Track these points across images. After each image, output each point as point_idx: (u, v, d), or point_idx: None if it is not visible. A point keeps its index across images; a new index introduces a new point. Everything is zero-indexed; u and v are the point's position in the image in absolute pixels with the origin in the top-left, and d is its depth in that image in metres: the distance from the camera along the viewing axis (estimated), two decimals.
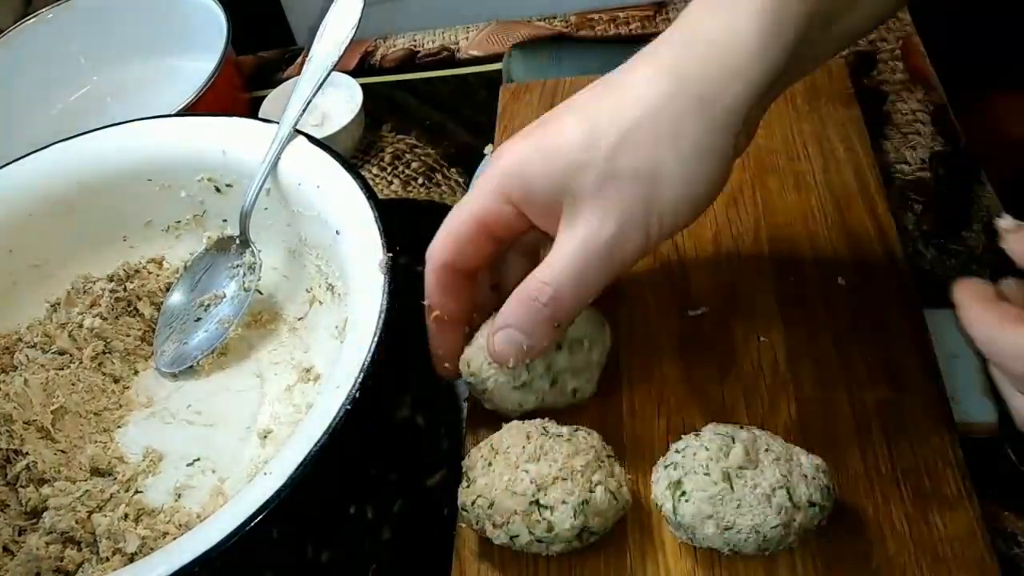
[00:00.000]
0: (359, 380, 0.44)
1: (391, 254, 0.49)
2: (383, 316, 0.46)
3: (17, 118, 0.80)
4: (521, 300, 0.42)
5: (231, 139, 0.59)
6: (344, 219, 0.53)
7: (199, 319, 0.59)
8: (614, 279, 0.42)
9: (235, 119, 0.60)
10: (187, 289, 0.60)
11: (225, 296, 0.59)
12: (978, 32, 0.72)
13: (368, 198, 0.52)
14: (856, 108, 0.62)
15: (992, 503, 0.46)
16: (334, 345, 0.54)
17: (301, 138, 0.57)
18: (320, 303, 0.58)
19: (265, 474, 0.42)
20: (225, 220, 0.63)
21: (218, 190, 0.61)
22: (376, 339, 0.45)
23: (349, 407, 0.43)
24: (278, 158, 0.56)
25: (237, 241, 0.59)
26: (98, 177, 0.61)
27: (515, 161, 0.42)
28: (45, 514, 0.50)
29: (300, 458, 0.41)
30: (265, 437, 0.54)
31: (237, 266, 0.59)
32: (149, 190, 0.61)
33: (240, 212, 0.57)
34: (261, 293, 0.59)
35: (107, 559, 0.48)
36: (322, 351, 0.56)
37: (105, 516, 0.50)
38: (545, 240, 0.44)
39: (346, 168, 0.54)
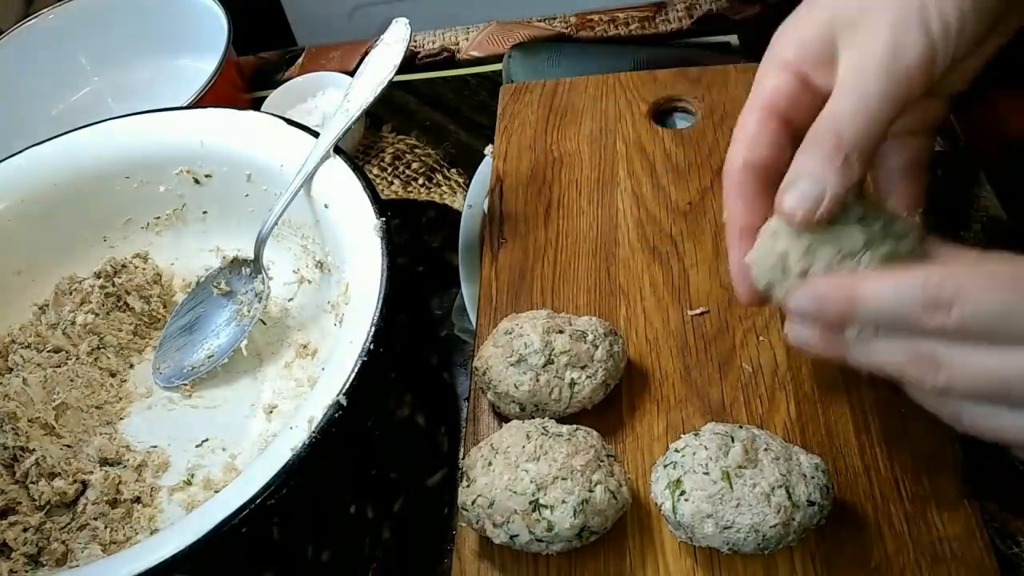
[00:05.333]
0: (371, 334, 0.45)
1: (384, 218, 0.50)
2: (386, 273, 0.48)
3: (18, 119, 0.81)
4: (804, 149, 0.39)
5: (207, 129, 0.60)
6: (332, 192, 0.54)
7: (203, 339, 0.59)
8: (907, 99, 0.38)
9: (209, 110, 0.60)
10: (192, 307, 0.60)
11: (227, 321, 0.58)
12: None
13: (353, 169, 0.53)
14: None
15: (991, 503, 0.47)
16: (328, 320, 0.54)
17: (279, 122, 0.58)
18: (309, 282, 0.59)
19: (291, 428, 0.43)
20: (205, 212, 0.63)
21: (197, 181, 0.61)
22: (383, 294, 0.47)
23: (366, 358, 0.44)
24: (287, 205, 0.55)
25: (249, 267, 0.58)
26: (75, 178, 0.61)
27: (784, 31, 0.42)
28: (83, 496, 0.51)
29: (329, 400, 0.43)
30: (271, 412, 0.54)
31: (245, 292, 0.59)
32: (127, 188, 0.62)
33: (256, 238, 0.57)
34: (264, 323, 0.59)
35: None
36: (316, 328, 0.57)
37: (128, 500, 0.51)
38: None
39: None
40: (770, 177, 0.41)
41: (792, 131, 0.41)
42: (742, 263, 0.42)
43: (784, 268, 0.40)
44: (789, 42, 0.41)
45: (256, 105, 0.77)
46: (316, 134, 0.56)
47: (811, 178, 0.38)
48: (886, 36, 0.37)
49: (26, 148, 0.61)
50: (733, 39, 0.77)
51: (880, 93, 0.37)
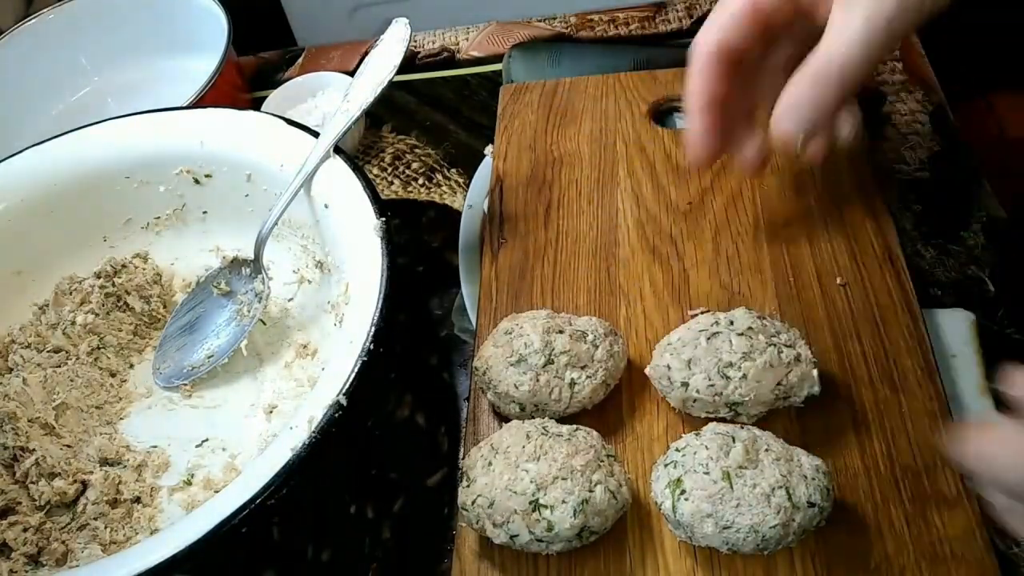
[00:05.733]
0: (371, 334, 0.45)
1: (384, 218, 0.50)
2: (386, 273, 0.48)
3: (18, 118, 0.80)
4: (809, 77, 0.44)
5: (208, 130, 0.59)
6: (332, 192, 0.54)
7: (203, 339, 0.58)
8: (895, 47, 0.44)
9: (209, 110, 0.60)
10: (192, 307, 0.60)
11: (227, 321, 0.58)
12: (977, 32, 0.72)
13: (353, 169, 0.53)
14: (855, 108, 0.62)
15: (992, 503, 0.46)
16: (328, 320, 0.54)
17: (279, 122, 0.58)
18: (309, 282, 0.59)
19: (292, 428, 0.43)
20: (205, 212, 0.63)
21: (197, 181, 0.61)
22: (383, 294, 0.47)
23: (366, 358, 0.44)
24: (285, 207, 0.55)
25: (249, 267, 0.58)
26: (75, 179, 0.61)
27: None
28: (83, 496, 0.51)
29: (329, 400, 0.43)
30: (271, 412, 0.54)
31: (245, 292, 0.58)
32: (127, 188, 0.62)
33: (256, 238, 0.57)
34: (264, 323, 0.59)
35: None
36: (316, 328, 0.57)
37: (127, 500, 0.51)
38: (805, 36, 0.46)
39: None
40: (734, 64, 0.48)
41: (764, 28, 0.47)
42: (700, 131, 0.49)
43: (670, 379, 0.46)
44: None
45: (256, 105, 0.77)
46: (316, 134, 0.56)
47: (814, 106, 0.44)
48: (892, 6, 0.42)
49: (26, 148, 0.61)
50: None
51: (879, 53, 0.43)
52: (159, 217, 0.63)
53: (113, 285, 0.60)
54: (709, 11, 0.80)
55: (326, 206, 0.54)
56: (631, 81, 0.67)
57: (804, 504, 0.40)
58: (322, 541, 0.51)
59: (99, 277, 0.61)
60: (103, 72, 0.85)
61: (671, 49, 0.77)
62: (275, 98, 0.75)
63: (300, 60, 0.87)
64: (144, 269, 0.62)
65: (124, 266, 0.62)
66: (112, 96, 0.84)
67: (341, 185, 0.53)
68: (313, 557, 0.50)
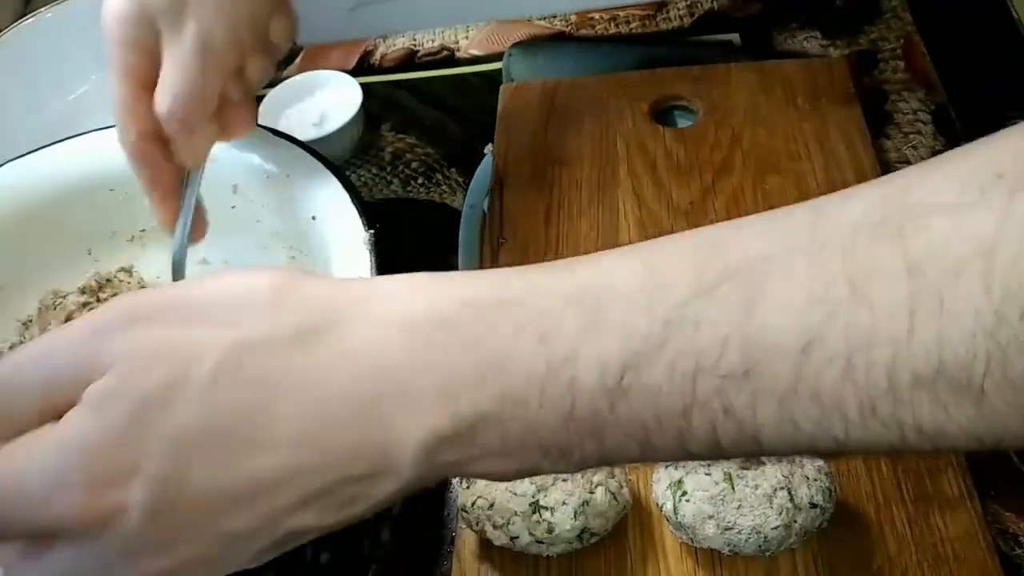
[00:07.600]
0: None
1: (372, 231, 0.49)
2: None
3: (15, 118, 0.80)
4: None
5: None
6: (319, 204, 0.53)
7: None
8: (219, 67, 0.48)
9: None
10: None
11: None
12: (979, 31, 0.72)
13: (340, 180, 0.52)
14: (857, 107, 0.62)
15: (993, 503, 0.46)
16: None
17: (265, 132, 0.57)
18: None
19: None
20: None
21: None
22: None
23: None
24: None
25: None
26: (58, 192, 0.60)
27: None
28: None
29: None
30: None
31: None
32: (111, 201, 0.61)
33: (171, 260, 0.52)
34: None
35: None
36: None
37: None
38: None
39: (312, 154, 0.54)
40: (161, 139, 0.50)
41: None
42: (169, 221, 0.51)
43: None
44: (125, 24, 0.51)
45: (254, 103, 0.77)
46: (299, 143, 0.55)
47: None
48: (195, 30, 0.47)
49: (6, 162, 0.60)
50: (734, 37, 0.76)
51: (197, 67, 0.48)
52: (144, 230, 0.62)
53: (98, 300, 0.59)
54: (710, 9, 0.80)
55: (313, 218, 0.53)
56: (632, 80, 0.67)
57: (806, 505, 0.40)
58: (321, 543, 0.51)
59: (84, 292, 0.59)
60: (101, 71, 0.84)
61: (672, 48, 0.77)
62: (273, 96, 0.75)
63: (299, 58, 0.87)
64: (129, 283, 0.61)
65: (109, 280, 0.60)
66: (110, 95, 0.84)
67: (328, 196, 0.53)
68: (312, 559, 0.50)
